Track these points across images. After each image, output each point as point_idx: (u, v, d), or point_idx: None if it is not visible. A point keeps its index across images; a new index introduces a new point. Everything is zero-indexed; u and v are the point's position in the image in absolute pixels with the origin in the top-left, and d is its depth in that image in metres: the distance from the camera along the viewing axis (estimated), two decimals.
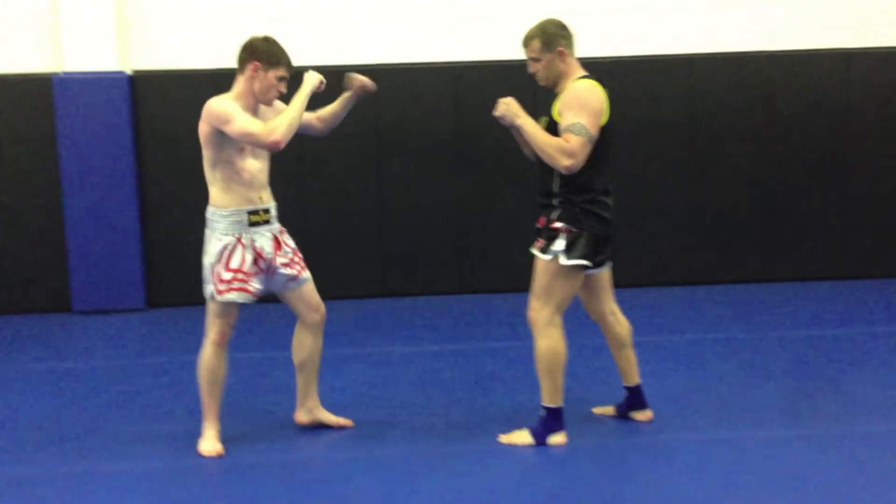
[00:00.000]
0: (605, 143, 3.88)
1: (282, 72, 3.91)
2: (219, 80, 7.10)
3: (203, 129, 3.90)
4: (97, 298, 7.15)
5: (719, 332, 5.97)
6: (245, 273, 3.94)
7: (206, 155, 3.94)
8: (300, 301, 4.16)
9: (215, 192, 3.97)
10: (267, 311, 6.89)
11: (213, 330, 4.02)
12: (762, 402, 4.52)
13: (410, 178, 7.42)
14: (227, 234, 3.94)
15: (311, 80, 3.96)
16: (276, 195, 4.18)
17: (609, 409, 4.41)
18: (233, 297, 3.94)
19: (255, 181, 3.99)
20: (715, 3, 7.45)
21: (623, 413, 4.34)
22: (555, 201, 3.92)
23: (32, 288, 7.25)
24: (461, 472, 3.76)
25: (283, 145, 3.82)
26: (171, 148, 7.12)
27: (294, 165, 7.00)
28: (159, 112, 7.16)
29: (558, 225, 3.88)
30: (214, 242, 3.96)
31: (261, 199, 4.01)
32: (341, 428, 4.31)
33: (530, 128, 3.85)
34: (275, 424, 4.39)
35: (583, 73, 3.96)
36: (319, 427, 4.31)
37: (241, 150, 3.93)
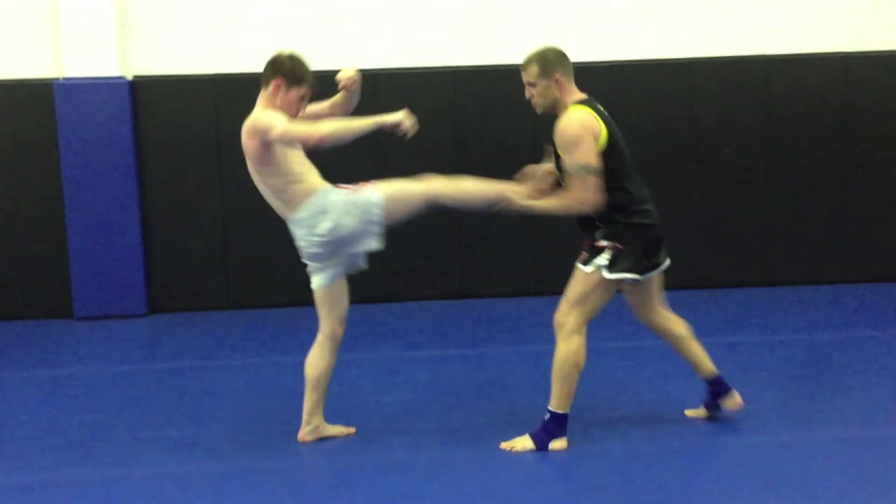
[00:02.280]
0: (616, 159, 3.91)
1: (304, 90, 3.95)
2: (219, 86, 7.20)
3: (254, 146, 3.87)
4: (99, 304, 7.16)
5: (720, 337, 5.95)
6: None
7: (268, 171, 3.93)
8: (342, 305, 4.20)
9: (290, 195, 3.98)
10: (268, 317, 6.93)
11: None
12: (764, 406, 4.52)
13: None
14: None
15: (395, 116, 3.94)
16: None
17: (700, 412, 4.38)
18: None
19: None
20: (714, 6, 7.47)
21: (713, 410, 4.31)
22: (597, 222, 3.96)
23: (34, 294, 7.26)
24: (463, 478, 3.76)
25: (324, 143, 3.78)
26: (172, 153, 7.12)
27: None
28: (160, 117, 7.16)
29: (604, 244, 3.92)
30: (326, 223, 3.99)
31: None
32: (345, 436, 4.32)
33: (543, 207, 4.02)
34: (278, 430, 4.39)
35: (578, 97, 3.98)
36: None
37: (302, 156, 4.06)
